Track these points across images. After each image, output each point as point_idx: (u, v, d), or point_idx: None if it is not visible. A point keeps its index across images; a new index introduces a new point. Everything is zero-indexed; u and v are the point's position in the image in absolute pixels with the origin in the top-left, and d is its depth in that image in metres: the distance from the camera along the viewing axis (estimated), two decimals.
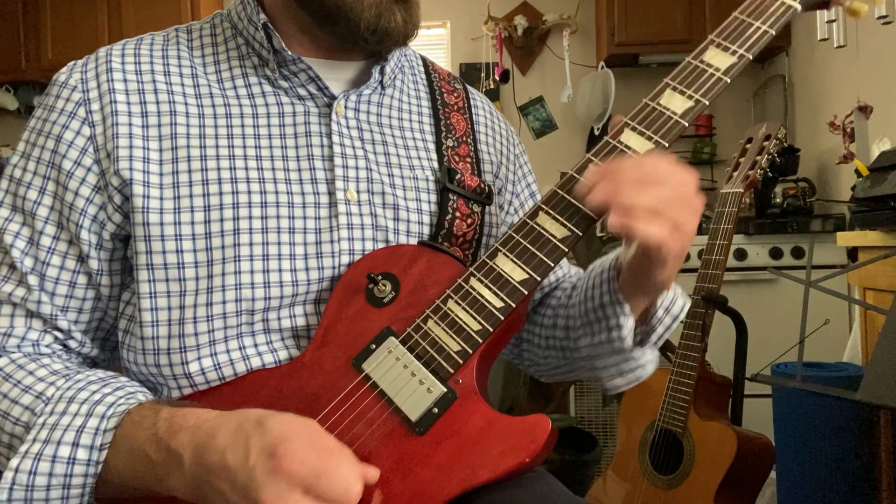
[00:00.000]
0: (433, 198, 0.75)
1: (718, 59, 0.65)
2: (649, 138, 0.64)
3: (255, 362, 0.67)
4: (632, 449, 1.62)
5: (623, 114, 0.67)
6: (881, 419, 1.51)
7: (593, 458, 2.02)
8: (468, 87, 0.88)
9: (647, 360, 0.72)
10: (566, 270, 0.88)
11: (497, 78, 3.24)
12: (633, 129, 0.64)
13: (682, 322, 1.57)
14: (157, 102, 0.69)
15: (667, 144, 0.63)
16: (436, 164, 0.77)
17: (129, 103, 0.68)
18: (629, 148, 0.64)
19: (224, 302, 0.65)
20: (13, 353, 0.66)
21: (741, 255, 2.48)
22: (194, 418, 0.56)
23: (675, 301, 0.72)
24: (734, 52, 0.65)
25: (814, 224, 2.46)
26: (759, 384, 1.48)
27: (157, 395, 0.69)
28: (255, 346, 0.67)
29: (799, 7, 0.68)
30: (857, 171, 1.98)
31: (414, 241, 0.73)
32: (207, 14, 0.79)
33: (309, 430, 0.54)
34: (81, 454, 0.57)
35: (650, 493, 1.55)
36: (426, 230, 0.74)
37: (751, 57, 0.65)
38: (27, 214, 0.67)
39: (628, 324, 0.68)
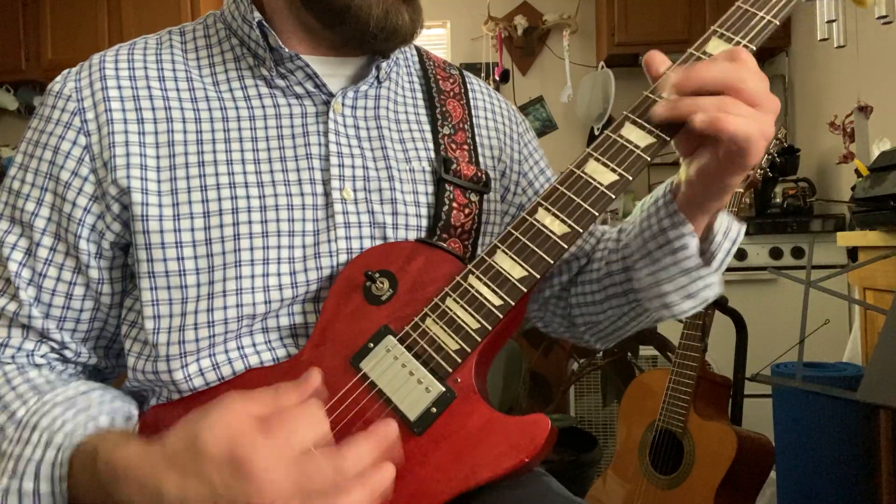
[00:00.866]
0: (430, 189, 0.74)
1: (721, 50, 0.64)
2: (650, 132, 0.63)
3: (254, 360, 0.67)
4: (632, 449, 1.62)
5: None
6: (881, 419, 1.51)
7: (593, 458, 2.02)
8: (465, 72, 0.87)
9: (714, 280, 0.70)
10: (604, 228, 0.86)
11: (497, 78, 3.24)
12: (634, 122, 0.64)
13: (682, 321, 1.58)
14: (153, 109, 0.68)
15: (668, 138, 0.63)
16: (432, 154, 0.76)
17: (124, 110, 0.67)
18: (629, 142, 0.63)
19: (225, 307, 0.65)
20: (7, 363, 0.66)
21: (741, 255, 2.48)
22: (124, 463, 0.52)
23: (732, 225, 0.70)
24: (737, 43, 0.64)
25: (814, 224, 2.46)
26: (759, 384, 1.48)
27: (155, 397, 0.69)
28: (254, 345, 0.67)
29: None
30: (857, 171, 1.98)
31: (412, 234, 0.72)
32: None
33: (240, 415, 0.50)
34: (44, 487, 0.56)
35: (650, 493, 1.55)
36: (424, 223, 0.73)
37: (754, 48, 0.64)
38: (25, 226, 0.67)
39: (694, 242, 0.66)
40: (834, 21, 1.85)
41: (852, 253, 2.25)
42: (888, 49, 2.15)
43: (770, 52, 3.02)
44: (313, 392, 0.55)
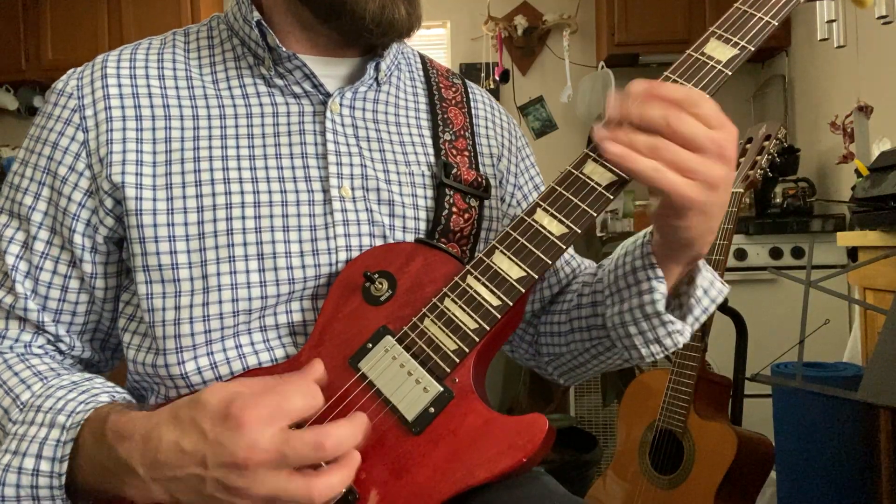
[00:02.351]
0: (429, 193, 0.75)
1: (720, 52, 0.64)
2: None
3: (252, 360, 0.67)
4: (632, 449, 1.62)
5: None
6: (881, 419, 1.51)
7: (593, 458, 2.02)
8: (468, 81, 0.87)
9: (681, 329, 0.69)
10: (581, 262, 0.86)
11: (497, 78, 3.24)
12: None
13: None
14: (152, 106, 0.69)
15: None
16: (432, 159, 0.77)
17: (123, 108, 0.68)
18: None
19: (220, 302, 0.65)
20: (6, 353, 0.67)
21: (741, 255, 2.48)
22: (132, 425, 0.55)
23: (714, 284, 0.70)
24: (736, 44, 0.64)
25: (814, 224, 2.45)
26: (759, 384, 1.48)
27: (155, 396, 0.69)
28: (252, 344, 0.67)
29: None
30: (857, 171, 1.98)
31: (410, 237, 0.73)
32: (207, 14, 0.79)
33: (243, 383, 0.55)
34: (44, 466, 0.57)
35: (650, 493, 1.55)
36: (422, 226, 0.73)
37: (752, 49, 0.64)
38: (23, 220, 0.68)
39: (661, 287, 0.66)
40: (834, 21, 1.84)
41: (852, 253, 2.25)
42: (888, 49, 2.15)
43: (770, 52, 3.02)
44: (315, 377, 0.58)
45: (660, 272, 0.66)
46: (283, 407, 0.52)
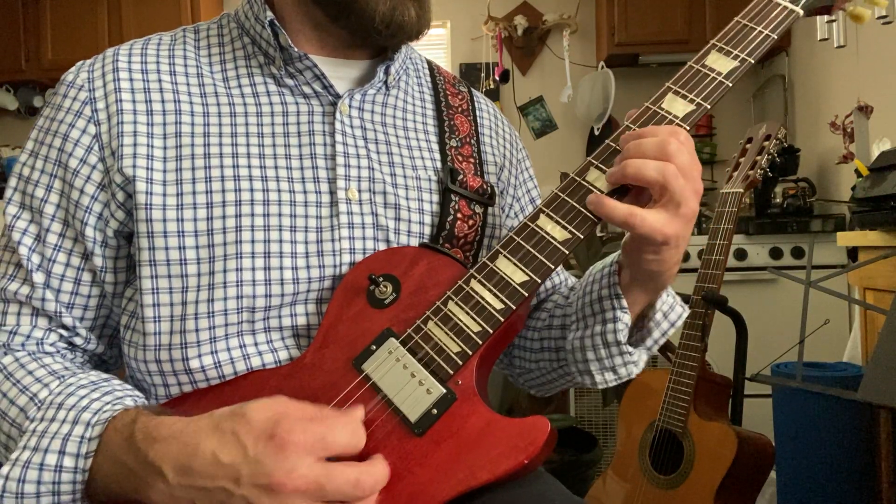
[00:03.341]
0: (435, 198, 0.75)
1: (720, 64, 0.66)
2: None
3: (256, 361, 0.67)
4: (632, 449, 1.62)
5: (623, 115, 0.67)
6: (881, 419, 1.51)
7: (593, 458, 2.02)
8: (473, 90, 0.89)
9: (640, 358, 0.73)
10: (562, 278, 0.88)
11: (497, 78, 3.24)
12: None
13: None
14: (163, 101, 0.69)
15: None
16: (438, 164, 0.77)
17: (134, 101, 0.69)
18: None
19: (225, 299, 0.66)
20: (18, 351, 0.66)
21: (741, 255, 2.48)
22: (167, 429, 0.55)
23: (674, 308, 0.73)
24: (736, 57, 0.66)
25: (814, 224, 2.46)
26: (759, 384, 1.48)
27: (153, 397, 0.69)
28: (256, 344, 0.68)
29: (801, 12, 0.68)
30: (857, 171, 1.98)
31: (415, 241, 0.73)
32: (208, 14, 0.80)
33: (289, 405, 0.55)
34: (68, 462, 0.57)
35: (650, 493, 1.55)
36: (427, 230, 0.74)
37: (752, 61, 0.66)
38: (35, 212, 0.68)
39: (625, 318, 0.68)
40: (834, 21, 1.85)
41: (852, 253, 2.26)
42: (888, 49, 2.15)
43: (770, 52, 3.02)
44: (359, 418, 0.58)
45: (625, 302, 0.69)
46: (327, 439, 0.53)
